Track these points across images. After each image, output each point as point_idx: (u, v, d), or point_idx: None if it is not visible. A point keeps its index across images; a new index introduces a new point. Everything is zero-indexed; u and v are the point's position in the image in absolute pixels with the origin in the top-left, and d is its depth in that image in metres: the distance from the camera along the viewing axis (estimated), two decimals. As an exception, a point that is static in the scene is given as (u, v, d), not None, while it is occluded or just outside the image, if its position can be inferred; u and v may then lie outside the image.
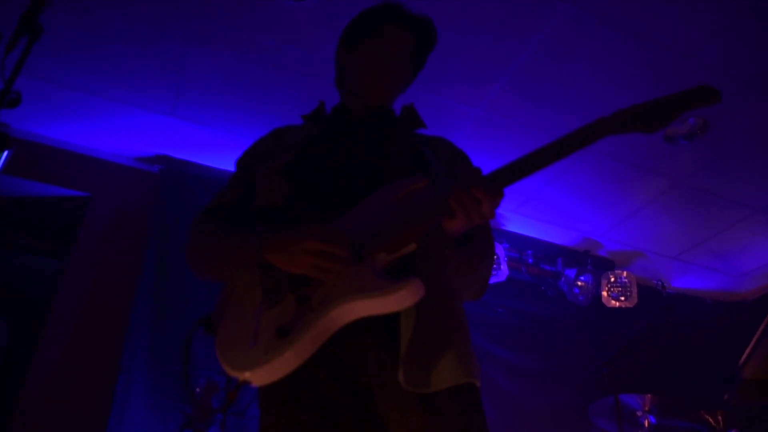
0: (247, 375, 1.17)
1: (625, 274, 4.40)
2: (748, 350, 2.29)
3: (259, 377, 1.17)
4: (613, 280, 4.37)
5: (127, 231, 3.60)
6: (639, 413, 3.24)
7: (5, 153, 1.74)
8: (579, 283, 4.43)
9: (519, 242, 4.42)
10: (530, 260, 4.44)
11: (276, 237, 1.23)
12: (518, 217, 4.27)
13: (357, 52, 1.59)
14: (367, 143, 1.48)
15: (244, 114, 3.45)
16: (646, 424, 3.19)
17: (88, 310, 3.29)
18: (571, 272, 4.46)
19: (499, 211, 4.21)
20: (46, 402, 3.01)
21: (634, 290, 4.34)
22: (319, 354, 1.18)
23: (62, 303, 3.25)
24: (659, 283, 4.69)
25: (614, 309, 4.35)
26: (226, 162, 3.85)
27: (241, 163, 1.57)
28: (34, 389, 3.01)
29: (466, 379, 1.22)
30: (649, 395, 3.20)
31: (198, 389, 2.87)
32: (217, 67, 3.14)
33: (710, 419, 3.15)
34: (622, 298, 4.31)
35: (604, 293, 4.35)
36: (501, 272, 4.03)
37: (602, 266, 4.54)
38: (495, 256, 1.49)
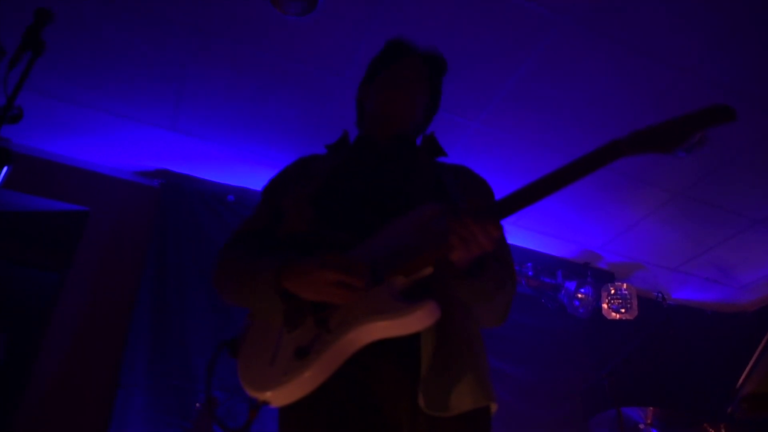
0: (267, 395, 1.19)
1: (625, 286, 4.40)
2: (750, 364, 2.28)
3: (278, 398, 1.19)
4: (613, 292, 4.37)
5: (127, 245, 3.60)
6: (641, 426, 3.22)
7: (5, 168, 1.74)
8: (579, 296, 4.43)
9: (519, 255, 4.42)
10: (530, 273, 4.44)
11: (295, 266, 1.25)
12: (518, 230, 4.27)
13: (374, 84, 1.71)
14: (389, 172, 1.52)
15: (244, 128, 3.45)
16: (649, 437, 3.18)
17: (86, 324, 3.28)
18: (571, 284, 4.46)
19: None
20: (43, 417, 2.98)
21: (635, 302, 4.33)
22: (337, 373, 1.20)
23: (61, 317, 3.24)
24: (659, 295, 4.70)
25: (615, 321, 4.34)
26: (226, 176, 3.85)
27: (267, 191, 1.61)
28: (32, 403, 2.98)
29: (485, 402, 1.24)
30: (651, 408, 3.19)
31: (198, 404, 2.86)
32: (217, 81, 3.15)
33: (713, 432, 3.13)
34: (623, 310, 4.30)
35: (605, 305, 4.34)
36: (501, 285, 4.02)
37: (602, 278, 4.54)
38: (515, 281, 1.49)
